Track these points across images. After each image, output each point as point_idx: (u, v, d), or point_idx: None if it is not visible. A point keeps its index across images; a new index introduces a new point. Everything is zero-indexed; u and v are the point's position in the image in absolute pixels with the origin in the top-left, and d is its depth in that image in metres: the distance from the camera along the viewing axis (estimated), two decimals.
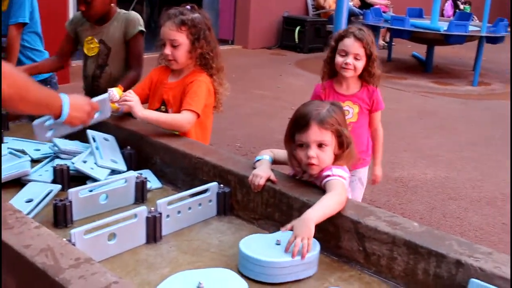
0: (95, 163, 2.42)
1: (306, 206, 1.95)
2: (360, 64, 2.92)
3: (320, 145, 1.99)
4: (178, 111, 2.71)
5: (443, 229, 3.88)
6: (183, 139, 2.57)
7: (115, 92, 2.55)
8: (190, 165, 2.35)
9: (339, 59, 2.90)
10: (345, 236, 1.89)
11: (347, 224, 1.87)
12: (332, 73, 3.02)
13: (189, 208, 2.09)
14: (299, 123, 2.01)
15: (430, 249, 1.70)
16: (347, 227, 1.87)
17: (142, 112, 2.51)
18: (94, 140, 2.55)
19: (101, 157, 2.46)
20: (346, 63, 2.88)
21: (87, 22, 3.30)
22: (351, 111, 3.00)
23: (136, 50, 3.25)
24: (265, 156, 2.19)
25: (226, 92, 2.82)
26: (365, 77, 3.00)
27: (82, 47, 3.37)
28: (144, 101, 2.88)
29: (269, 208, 2.09)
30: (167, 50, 2.69)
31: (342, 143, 2.02)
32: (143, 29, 3.26)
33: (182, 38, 2.67)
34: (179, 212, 2.06)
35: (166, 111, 2.77)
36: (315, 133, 1.98)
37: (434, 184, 4.77)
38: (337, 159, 2.04)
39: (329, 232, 1.93)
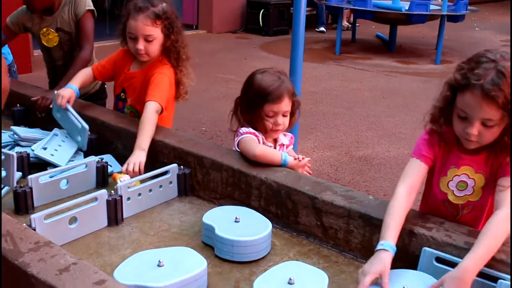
0: (32, 149, 2.42)
1: (265, 184, 2.00)
2: (490, 134, 1.72)
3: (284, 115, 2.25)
4: (136, 101, 2.72)
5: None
6: (135, 122, 2.57)
7: (125, 179, 2.18)
8: (150, 148, 2.36)
9: (457, 124, 1.75)
10: (303, 212, 1.94)
11: (305, 200, 1.92)
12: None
13: (150, 190, 2.11)
14: (270, 94, 2.18)
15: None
16: (305, 202, 1.92)
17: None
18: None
19: (42, 147, 2.45)
20: (467, 133, 1.72)
21: (34, 16, 3.28)
22: (470, 183, 1.85)
23: (86, 29, 3.24)
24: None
25: (191, 82, 2.80)
26: (496, 148, 1.77)
27: (38, 40, 3.37)
28: (107, 80, 2.90)
29: (229, 187, 2.13)
30: (140, 45, 2.60)
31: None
32: (92, 7, 3.26)
33: (157, 32, 2.60)
34: (139, 194, 2.08)
35: (125, 99, 2.78)
36: (286, 105, 2.22)
37: (397, 161, 4.86)
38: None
39: (288, 209, 1.97)
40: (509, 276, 1.53)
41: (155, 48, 2.63)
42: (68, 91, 2.64)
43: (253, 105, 2.22)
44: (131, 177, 2.14)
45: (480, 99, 1.62)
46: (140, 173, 2.19)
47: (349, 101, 6.75)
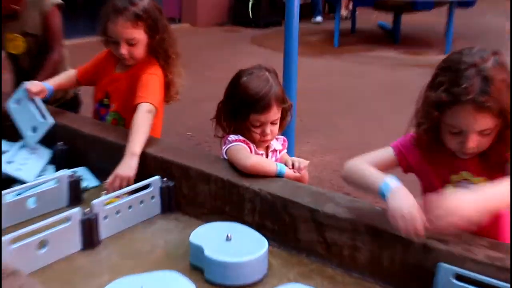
0: None
1: (259, 196, 1.97)
2: (487, 141, 1.77)
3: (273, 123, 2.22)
4: (122, 106, 2.70)
5: None
6: (120, 131, 2.54)
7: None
8: None
9: (451, 140, 1.80)
10: (303, 227, 1.91)
11: (304, 213, 1.89)
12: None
13: (130, 207, 2.09)
14: (256, 104, 2.13)
15: (394, 234, 1.72)
16: (304, 216, 1.89)
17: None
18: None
19: (7, 161, 2.41)
20: (465, 147, 1.77)
21: None
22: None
23: (53, 27, 3.21)
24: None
25: (183, 81, 2.79)
26: (491, 158, 1.82)
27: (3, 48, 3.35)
28: (90, 84, 2.87)
29: (219, 201, 2.10)
30: (123, 50, 2.58)
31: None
32: (59, 1, 3.22)
33: (140, 34, 2.58)
34: (118, 212, 2.05)
35: (108, 105, 2.74)
36: (274, 114, 2.18)
37: None
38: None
39: (285, 223, 1.94)
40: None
41: (139, 51, 2.62)
42: (40, 85, 2.63)
43: (237, 113, 2.20)
44: (112, 192, 2.11)
45: (473, 112, 1.66)
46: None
47: (350, 98, 6.74)
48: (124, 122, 2.69)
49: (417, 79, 7.57)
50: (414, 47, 9.66)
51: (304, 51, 7.89)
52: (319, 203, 1.89)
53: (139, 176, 2.23)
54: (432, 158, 1.90)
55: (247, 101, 2.15)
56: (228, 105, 2.24)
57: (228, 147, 2.16)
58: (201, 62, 8.16)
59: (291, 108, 2.31)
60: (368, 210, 1.86)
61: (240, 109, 2.17)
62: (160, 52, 2.66)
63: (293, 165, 2.20)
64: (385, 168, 1.92)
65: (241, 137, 2.19)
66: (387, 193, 1.70)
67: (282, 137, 2.41)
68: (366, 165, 1.91)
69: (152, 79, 2.59)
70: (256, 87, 2.14)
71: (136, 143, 2.28)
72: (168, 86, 2.70)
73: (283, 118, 2.27)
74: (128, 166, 2.20)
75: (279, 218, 1.95)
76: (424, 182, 1.99)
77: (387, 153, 2.01)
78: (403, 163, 1.98)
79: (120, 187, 2.14)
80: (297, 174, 2.16)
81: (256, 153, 2.21)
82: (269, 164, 2.11)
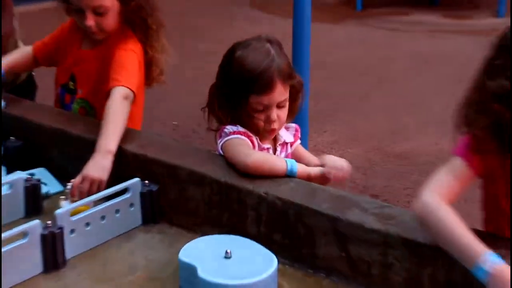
0: None
1: (265, 201, 1.98)
2: None
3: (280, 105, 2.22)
4: (91, 91, 2.70)
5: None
6: (90, 122, 2.54)
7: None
8: None
9: None
10: (322, 240, 1.91)
11: (323, 223, 1.89)
12: None
13: (103, 218, 2.09)
14: (256, 82, 2.13)
15: (436, 247, 1.72)
16: (323, 227, 1.90)
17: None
18: None
19: None
20: None
21: None
22: None
23: None
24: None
25: (169, 58, 2.80)
26: None
27: None
28: (47, 63, 2.88)
29: (215, 209, 2.11)
30: (90, 21, 2.56)
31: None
32: None
33: (109, 1, 2.58)
34: (88, 224, 2.05)
35: (75, 90, 2.75)
36: (280, 94, 2.18)
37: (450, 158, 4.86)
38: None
39: (299, 236, 1.95)
40: None
41: (110, 22, 2.62)
42: None
43: (234, 97, 2.20)
44: (79, 199, 2.12)
45: None
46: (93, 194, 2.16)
47: (378, 75, 6.73)
48: (94, 112, 2.70)
49: (463, 50, 7.62)
50: (458, 9, 9.64)
51: (319, 16, 7.89)
52: (341, 209, 1.89)
53: (114, 179, 2.23)
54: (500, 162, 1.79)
55: (244, 80, 2.15)
56: (222, 88, 2.24)
57: (225, 141, 2.17)
58: (189, 31, 8.15)
59: (302, 87, 2.32)
60: (403, 218, 1.86)
61: (237, 91, 2.18)
62: (137, 22, 2.66)
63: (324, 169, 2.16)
64: (463, 189, 1.80)
65: (240, 128, 2.19)
66: (486, 276, 1.57)
67: (294, 125, 2.41)
68: (450, 214, 1.69)
69: (128, 57, 2.59)
70: (254, 61, 2.16)
71: (110, 138, 2.28)
72: (149, 64, 2.70)
73: (293, 100, 2.29)
74: (100, 166, 2.21)
75: (291, 229, 1.96)
76: (489, 190, 1.92)
77: (457, 168, 1.82)
78: (478, 173, 1.82)
79: (90, 193, 2.14)
80: (315, 172, 2.15)
81: (260, 148, 2.22)
82: (277, 161, 2.12)
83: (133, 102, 2.53)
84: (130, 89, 2.48)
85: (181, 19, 8.67)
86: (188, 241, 1.94)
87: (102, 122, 2.34)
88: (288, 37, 3.17)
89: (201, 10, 9.41)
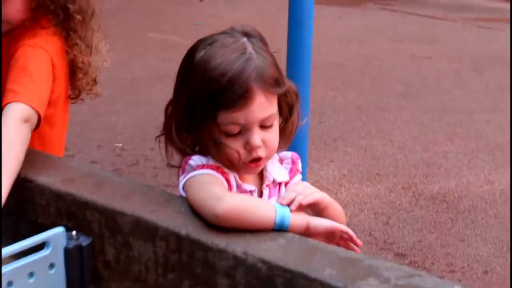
0: None
1: (242, 264, 1.96)
2: None
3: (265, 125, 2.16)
4: None
5: None
6: None
7: None
8: (10, 195, 2.32)
9: None
10: None
11: None
12: None
13: (9, 284, 2.06)
14: (226, 90, 2.09)
15: None
16: None
17: None
18: None
19: None
20: None
21: None
22: None
23: None
24: None
25: (103, 61, 2.83)
26: None
27: None
28: None
29: (171, 273, 2.10)
30: None
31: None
32: None
33: None
34: None
35: None
36: (263, 107, 2.11)
37: (509, 202, 4.86)
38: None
39: None
40: None
41: (14, 7, 2.61)
42: None
43: (198, 117, 2.16)
44: None
45: None
46: None
47: (407, 81, 6.77)
48: None
49: None
50: None
51: None
52: (351, 278, 1.88)
53: (27, 228, 2.24)
54: None
55: (208, 92, 2.10)
56: (181, 104, 2.20)
57: (189, 178, 2.14)
58: (141, 15, 8.19)
59: (297, 98, 2.27)
60: None
61: (200, 109, 2.14)
62: (54, 11, 2.66)
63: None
64: None
65: (211, 161, 2.16)
66: None
67: (290, 154, 2.38)
68: None
69: (35, 57, 2.58)
70: (222, 63, 2.09)
71: None
72: (72, 70, 2.72)
73: (285, 117, 2.26)
74: None
75: None
76: None
77: None
78: None
79: None
80: (317, 224, 2.13)
81: (241, 190, 2.19)
82: (262, 207, 2.08)
83: (50, 119, 2.54)
84: (32, 107, 2.43)
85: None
86: None
87: None
88: (282, 27, 3.17)
89: None
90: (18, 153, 2.30)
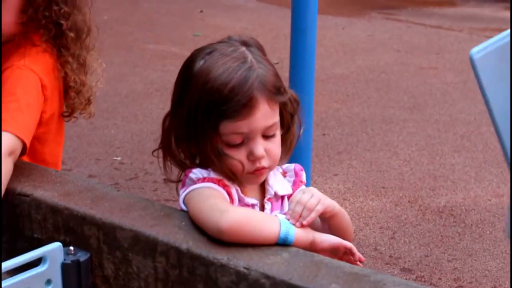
0: None
1: (244, 279, 1.95)
2: None
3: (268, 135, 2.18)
4: None
5: None
6: None
7: None
8: (6, 210, 2.33)
9: None
10: None
11: None
12: None
13: None
14: (229, 101, 2.09)
15: None
16: None
17: None
18: None
19: None
20: None
21: None
22: None
23: None
24: None
25: (97, 81, 2.83)
26: None
27: None
28: None
29: None
30: None
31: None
32: None
33: None
34: None
35: None
36: (266, 116, 2.14)
37: None
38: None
39: None
40: None
41: (4, 19, 2.59)
42: None
43: (197, 126, 2.16)
44: None
45: None
46: None
47: (413, 92, 6.76)
48: None
49: None
50: None
51: (330, 6, 7.94)
52: None
53: (23, 243, 2.23)
54: None
55: (209, 101, 2.12)
56: (181, 116, 2.19)
57: (189, 192, 2.15)
58: (140, 24, 8.18)
59: (298, 106, 2.29)
60: None
61: (202, 119, 2.14)
62: (43, 25, 2.65)
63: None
64: None
65: (213, 174, 2.17)
66: None
67: (293, 166, 2.38)
68: None
69: (24, 80, 2.56)
70: (223, 72, 2.11)
71: None
72: (65, 88, 2.71)
73: (286, 127, 2.27)
74: None
75: None
76: None
77: None
78: None
79: None
80: (323, 240, 2.12)
81: (243, 203, 2.19)
82: (266, 221, 2.08)
83: (42, 141, 2.55)
84: (18, 137, 2.42)
85: (129, 8, 8.72)
86: None
87: None
88: (283, 38, 3.17)
89: None
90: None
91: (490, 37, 6.58)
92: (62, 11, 2.64)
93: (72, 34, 2.66)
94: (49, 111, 2.62)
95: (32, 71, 2.57)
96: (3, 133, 2.38)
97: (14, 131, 2.41)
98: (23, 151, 2.45)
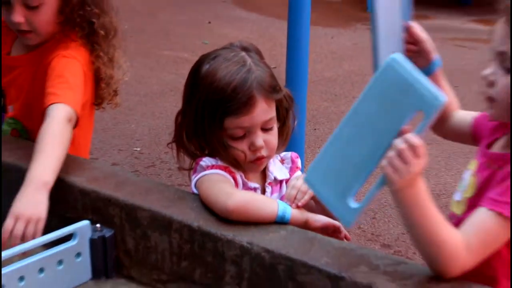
0: None
1: (248, 254, 1.96)
2: None
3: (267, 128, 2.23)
4: (24, 109, 2.69)
5: None
6: (23, 146, 2.54)
7: None
8: None
9: None
10: None
11: (322, 283, 1.87)
12: None
13: (41, 271, 2.07)
14: (232, 99, 2.13)
15: None
16: (322, 287, 1.88)
17: None
18: None
19: None
20: None
21: None
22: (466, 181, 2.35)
23: None
24: None
25: (123, 75, 2.82)
26: None
27: None
28: None
29: (184, 261, 2.10)
30: (18, 16, 2.52)
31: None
32: None
33: None
34: (22, 278, 2.02)
35: (4, 108, 2.73)
36: (264, 111, 2.18)
37: None
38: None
39: None
40: None
41: (44, 18, 2.58)
42: None
43: (206, 125, 2.20)
44: (12, 246, 2.08)
45: None
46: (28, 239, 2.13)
47: None
48: (29, 135, 2.67)
49: None
50: (493, 13, 9.68)
51: (320, 18, 7.93)
52: (344, 266, 1.87)
53: (56, 221, 2.22)
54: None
55: (215, 101, 2.15)
56: (191, 113, 2.24)
57: (200, 177, 2.16)
58: (156, 33, 8.17)
59: (292, 102, 2.32)
60: (422, 278, 1.85)
61: (209, 115, 2.18)
62: (80, 25, 2.65)
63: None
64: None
65: (220, 162, 2.19)
66: None
67: (290, 154, 2.41)
68: None
69: (70, 66, 2.57)
70: (226, 74, 2.16)
71: (46, 167, 2.23)
72: (98, 79, 2.71)
73: (282, 121, 2.30)
74: (35, 201, 2.16)
75: None
76: None
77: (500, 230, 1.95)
78: None
79: (26, 236, 2.10)
80: (315, 220, 2.14)
81: (246, 187, 2.21)
82: (266, 203, 2.10)
83: (77, 124, 2.49)
84: (71, 107, 2.43)
85: (147, 19, 8.70)
86: None
87: (36, 146, 2.28)
88: (281, 45, 3.16)
89: (172, 8, 9.43)
90: (64, 146, 2.33)
91: (462, 46, 6.61)
92: (93, 11, 2.63)
93: (102, 32, 2.67)
94: (85, 97, 2.62)
95: (76, 59, 2.59)
96: (58, 105, 2.39)
97: (68, 102, 2.42)
98: (76, 124, 2.46)
